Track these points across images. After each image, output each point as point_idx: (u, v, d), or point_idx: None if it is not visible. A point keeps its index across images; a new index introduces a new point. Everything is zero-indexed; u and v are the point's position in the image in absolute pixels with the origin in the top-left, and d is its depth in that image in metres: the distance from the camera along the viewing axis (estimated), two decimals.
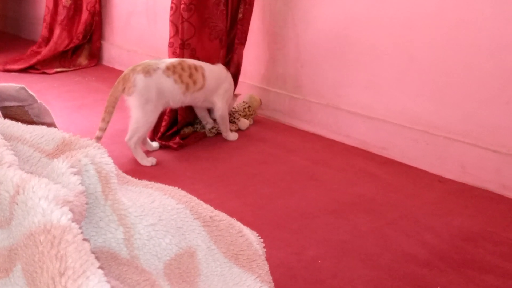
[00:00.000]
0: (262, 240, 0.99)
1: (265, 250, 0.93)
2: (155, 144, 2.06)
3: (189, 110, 2.16)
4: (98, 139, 1.86)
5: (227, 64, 2.30)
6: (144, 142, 1.99)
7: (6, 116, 1.05)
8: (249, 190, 1.75)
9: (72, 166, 0.72)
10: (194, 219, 0.81)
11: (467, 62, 1.78)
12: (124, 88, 1.87)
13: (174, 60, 1.97)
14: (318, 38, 2.23)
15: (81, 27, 3.35)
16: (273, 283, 0.87)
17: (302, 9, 2.26)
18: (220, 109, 2.10)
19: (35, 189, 0.63)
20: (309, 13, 2.24)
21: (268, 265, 0.87)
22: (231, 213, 0.97)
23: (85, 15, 3.35)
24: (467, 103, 1.81)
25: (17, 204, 0.63)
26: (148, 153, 2.03)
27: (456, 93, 1.83)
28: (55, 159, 0.73)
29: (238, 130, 2.28)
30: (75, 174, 0.71)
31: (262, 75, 2.50)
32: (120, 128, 2.05)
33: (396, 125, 2.02)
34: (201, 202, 0.86)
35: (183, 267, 0.76)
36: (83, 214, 0.69)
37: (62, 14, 3.38)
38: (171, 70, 1.91)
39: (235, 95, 2.27)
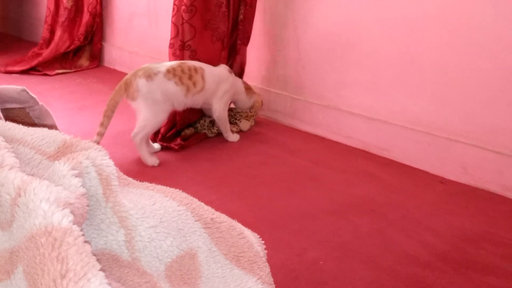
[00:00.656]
0: (263, 241, 0.99)
1: (266, 251, 0.93)
2: (156, 146, 2.06)
3: (189, 111, 2.16)
4: (96, 144, 1.86)
5: (230, 65, 2.30)
6: (146, 143, 1.99)
7: (7, 118, 1.05)
8: (250, 191, 1.75)
9: (73, 168, 0.72)
10: (195, 221, 0.81)
11: (468, 63, 1.78)
12: (127, 93, 1.87)
13: (174, 62, 1.97)
14: (319, 39, 2.23)
15: (82, 29, 3.36)
16: (274, 285, 0.87)
17: (302, 10, 2.26)
18: (217, 110, 2.10)
19: (36, 191, 0.63)
20: (310, 14, 2.24)
21: (269, 267, 0.87)
22: (232, 214, 0.97)
23: (86, 17, 3.35)
24: (468, 104, 1.81)
25: (18, 206, 0.63)
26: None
27: (457, 94, 1.83)
28: (56, 161, 0.73)
29: (239, 131, 2.28)
30: (76, 176, 0.71)
31: (263, 76, 2.51)
32: (121, 129, 2.05)
33: (397, 126, 2.02)
34: (202, 204, 0.86)
35: (184, 269, 0.76)
36: (84, 216, 0.69)
37: (63, 15, 3.38)
38: (171, 73, 1.91)
39: (258, 95, 2.31)
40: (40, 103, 1.14)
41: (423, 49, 1.90)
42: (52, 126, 1.13)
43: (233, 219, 0.93)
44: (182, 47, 2.11)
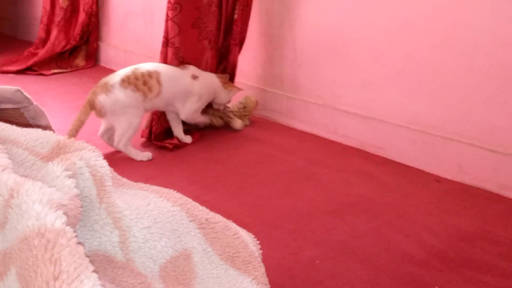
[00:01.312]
0: (258, 241, 0.99)
1: (261, 251, 0.93)
2: (145, 154, 2.04)
3: None
4: None
5: (223, 66, 2.29)
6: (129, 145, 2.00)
7: (1, 118, 1.05)
8: (246, 191, 1.75)
9: (66, 169, 0.72)
10: (190, 221, 0.81)
11: (464, 62, 1.78)
12: (95, 112, 1.91)
13: (127, 70, 1.96)
14: (315, 38, 2.23)
15: (78, 28, 3.35)
16: (269, 285, 0.87)
17: (299, 9, 2.26)
18: (185, 118, 2.10)
19: (29, 192, 0.63)
20: (306, 13, 2.24)
21: (264, 267, 0.87)
22: (228, 214, 0.97)
23: (82, 16, 3.34)
24: (464, 103, 1.81)
25: (11, 208, 0.63)
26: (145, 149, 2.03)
27: (453, 93, 1.83)
28: (50, 162, 0.73)
29: (232, 131, 2.27)
30: (69, 177, 0.71)
31: (259, 76, 2.50)
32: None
33: (393, 125, 2.02)
34: (197, 204, 0.86)
35: (179, 269, 0.76)
36: (78, 217, 0.69)
37: (59, 15, 3.37)
38: (126, 81, 1.91)
39: (238, 88, 2.24)
40: (34, 103, 1.14)
41: (419, 48, 1.90)
42: (46, 127, 1.13)
43: (229, 218, 0.92)
44: (165, 44, 2.11)
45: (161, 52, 2.13)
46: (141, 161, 1.96)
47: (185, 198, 0.85)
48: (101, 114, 1.90)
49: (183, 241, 0.78)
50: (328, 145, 2.18)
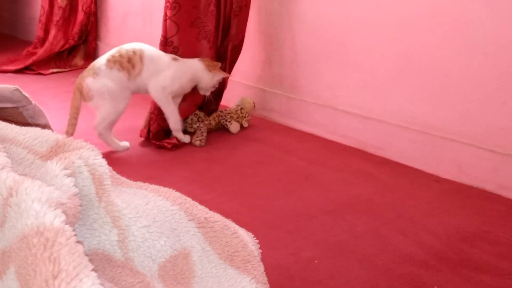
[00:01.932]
0: (257, 241, 0.99)
1: (260, 251, 0.93)
2: (123, 144, 2.05)
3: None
4: None
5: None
6: (110, 132, 1.99)
7: (0, 117, 1.04)
8: (246, 191, 1.75)
9: (65, 168, 0.71)
10: (189, 220, 0.80)
11: (463, 62, 1.78)
12: (83, 96, 1.91)
13: (113, 50, 1.97)
14: (314, 38, 2.23)
15: (76, 28, 3.35)
16: (268, 284, 0.87)
17: (298, 9, 2.26)
18: (152, 87, 1.99)
19: (28, 191, 0.62)
20: (305, 13, 2.24)
21: (263, 266, 0.87)
22: (227, 214, 0.97)
23: (80, 16, 3.34)
24: (463, 103, 1.81)
25: (10, 207, 0.63)
26: (143, 149, 2.02)
27: (453, 93, 1.83)
28: (49, 161, 0.73)
29: (230, 134, 2.26)
30: (68, 176, 0.71)
31: (258, 76, 2.50)
32: (114, 129, 2.04)
33: (392, 125, 2.02)
34: (196, 203, 0.86)
35: (178, 268, 0.76)
36: (77, 216, 0.69)
37: (57, 14, 3.37)
38: (111, 61, 1.92)
39: (224, 74, 2.15)
40: (33, 102, 1.13)
41: (418, 48, 1.90)
42: (45, 126, 1.12)
43: (228, 218, 0.92)
44: (163, 43, 2.11)
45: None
46: (139, 161, 1.96)
47: (184, 197, 0.85)
48: (88, 98, 1.91)
49: (182, 240, 0.78)
50: (327, 145, 2.18)
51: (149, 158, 2.00)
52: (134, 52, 1.95)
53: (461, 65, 1.79)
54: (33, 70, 3.18)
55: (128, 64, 1.93)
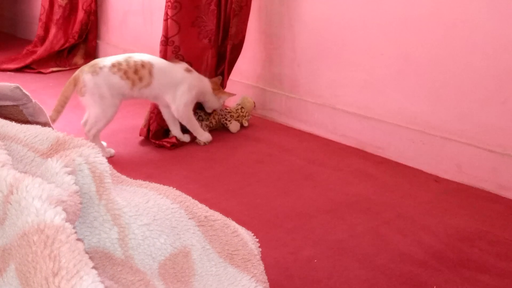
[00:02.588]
0: (257, 239, 0.99)
1: (260, 249, 0.93)
2: (109, 150, 2.02)
3: None
4: None
5: (220, 63, 2.29)
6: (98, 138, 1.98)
7: (0, 115, 1.05)
8: (245, 190, 1.75)
9: (66, 166, 0.71)
10: (189, 218, 0.81)
11: (463, 62, 1.78)
12: (76, 88, 1.91)
13: (120, 56, 1.96)
14: (314, 38, 2.23)
15: (77, 27, 3.34)
16: (268, 283, 0.87)
17: (298, 9, 2.26)
18: (176, 111, 2.03)
19: (28, 188, 0.62)
20: (306, 13, 2.24)
21: (263, 265, 0.87)
22: (227, 213, 0.97)
23: (80, 15, 3.34)
24: (463, 103, 1.81)
25: (10, 204, 0.63)
26: (143, 148, 2.02)
27: (452, 92, 1.83)
28: (49, 159, 0.73)
29: (230, 133, 2.26)
30: (69, 173, 0.71)
31: (258, 75, 2.50)
32: (114, 128, 2.05)
33: (392, 124, 2.02)
34: (196, 201, 0.86)
35: (178, 267, 0.76)
36: (77, 214, 0.69)
37: (57, 13, 3.36)
38: (116, 67, 1.91)
39: (229, 94, 2.21)
40: (33, 100, 1.13)
41: (418, 48, 1.90)
42: (45, 124, 1.12)
43: (228, 217, 0.92)
44: (165, 43, 2.11)
45: (161, 51, 2.13)
46: (140, 160, 1.96)
47: (184, 195, 0.85)
48: (81, 92, 1.90)
49: (182, 239, 0.78)
50: (327, 144, 2.18)
51: (149, 157, 2.00)
52: (142, 65, 1.94)
53: (461, 65, 1.79)
54: (33, 68, 3.18)
55: (135, 75, 1.92)
